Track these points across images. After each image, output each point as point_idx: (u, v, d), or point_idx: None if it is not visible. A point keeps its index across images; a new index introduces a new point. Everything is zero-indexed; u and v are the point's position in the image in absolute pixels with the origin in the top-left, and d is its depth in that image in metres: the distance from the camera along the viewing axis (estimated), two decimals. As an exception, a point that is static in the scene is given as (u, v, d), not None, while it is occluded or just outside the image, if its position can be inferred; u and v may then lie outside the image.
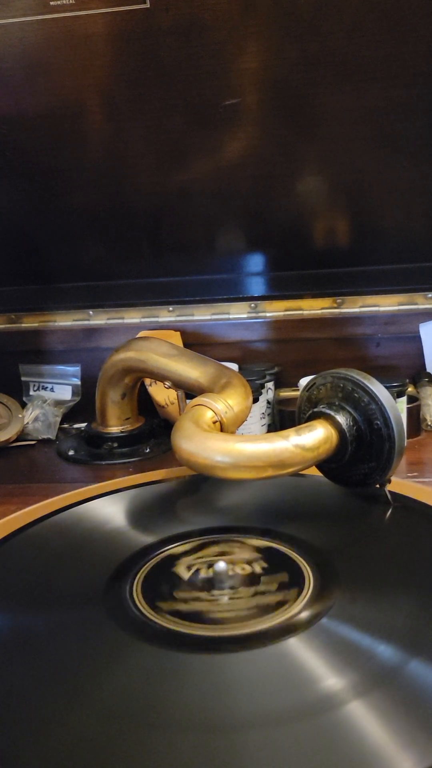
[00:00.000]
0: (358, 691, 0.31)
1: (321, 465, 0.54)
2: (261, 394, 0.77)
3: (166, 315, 0.92)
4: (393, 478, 0.52)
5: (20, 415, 0.82)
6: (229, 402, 0.58)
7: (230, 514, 0.53)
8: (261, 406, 0.77)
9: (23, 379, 0.94)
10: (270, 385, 0.82)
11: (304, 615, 0.38)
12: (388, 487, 0.52)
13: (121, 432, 0.77)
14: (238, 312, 0.91)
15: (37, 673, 0.35)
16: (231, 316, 0.91)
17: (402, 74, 0.68)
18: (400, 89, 0.70)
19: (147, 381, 0.82)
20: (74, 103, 0.73)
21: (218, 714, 0.31)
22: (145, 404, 0.83)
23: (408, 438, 0.73)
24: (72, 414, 0.90)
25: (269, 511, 0.53)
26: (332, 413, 0.50)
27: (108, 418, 0.78)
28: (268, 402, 0.81)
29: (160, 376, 0.71)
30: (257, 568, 0.43)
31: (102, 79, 0.71)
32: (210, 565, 0.42)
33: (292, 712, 0.30)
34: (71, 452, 0.77)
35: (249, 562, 0.44)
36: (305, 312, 0.89)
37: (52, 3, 0.64)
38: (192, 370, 0.68)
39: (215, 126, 0.74)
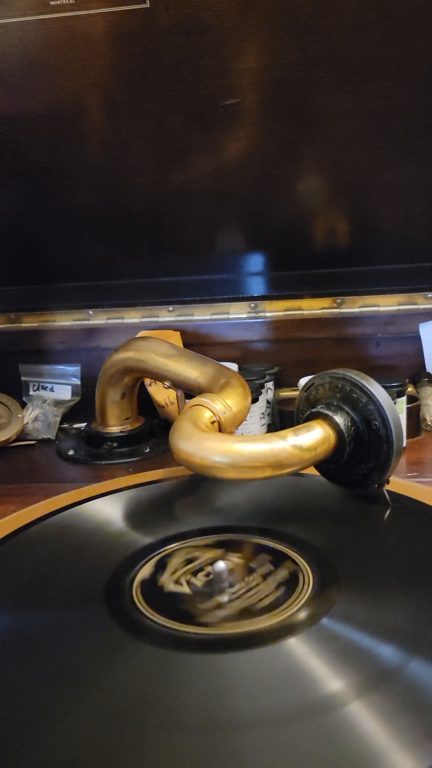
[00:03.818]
0: (358, 691, 0.31)
1: (319, 465, 0.54)
2: (261, 394, 0.77)
3: (166, 315, 0.92)
4: (393, 478, 0.52)
5: (20, 415, 0.82)
6: (227, 402, 0.58)
7: (230, 514, 0.53)
8: (261, 406, 0.77)
9: (23, 378, 0.94)
10: (270, 385, 0.82)
11: (304, 615, 0.38)
12: (387, 488, 0.52)
13: (121, 432, 0.77)
14: (237, 312, 0.91)
15: (36, 673, 0.35)
16: (231, 316, 0.91)
17: (402, 74, 0.68)
18: (400, 89, 0.70)
19: (147, 381, 0.82)
20: (74, 103, 0.73)
21: (218, 714, 0.31)
22: (145, 404, 0.83)
23: (408, 438, 0.73)
24: (72, 414, 0.90)
25: (269, 511, 0.53)
26: (330, 414, 0.50)
27: (108, 418, 0.78)
28: (268, 402, 0.81)
29: (159, 376, 0.71)
30: (257, 568, 0.43)
31: (102, 79, 0.71)
32: (209, 565, 0.42)
33: (292, 712, 0.30)
34: (71, 452, 0.77)
35: (249, 562, 0.44)
36: (305, 312, 0.89)
37: (52, 3, 0.64)
38: (191, 370, 0.68)
39: (215, 126, 0.74)
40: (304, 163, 0.79)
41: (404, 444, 0.70)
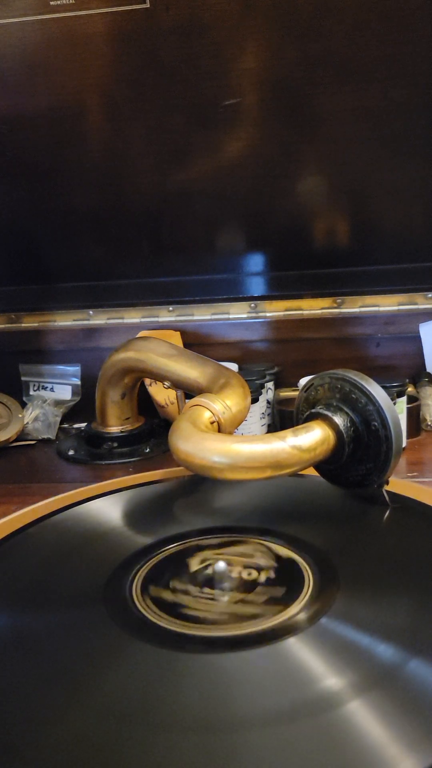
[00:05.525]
0: (358, 690, 0.31)
1: (319, 466, 0.54)
2: (261, 394, 0.77)
3: (166, 315, 0.92)
4: (393, 478, 0.52)
5: (20, 415, 0.82)
6: (227, 402, 0.58)
7: (229, 515, 0.53)
8: (261, 406, 0.77)
9: (23, 379, 0.94)
10: (270, 385, 0.82)
11: (304, 615, 0.38)
12: (387, 488, 0.52)
13: (121, 432, 0.77)
14: (238, 312, 0.91)
15: (36, 673, 0.35)
16: (231, 316, 0.91)
17: (402, 74, 0.68)
18: (400, 89, 0.70)
19: (147, 381, 0.82)
20: (74, 103, 0.73)
21: (218, 714, 0.31)
22: (145, 404, 0.83)
23: (408, 438, 0.73)
24: (72, 414, 0.90)
25: (269, 511, 0.53)
26: (330, 414, 0.50)
27: (108, 418, 0.78)
28: (268, 402, 0.81)
29: (159, 376, 0.71)
30: (257, 568, 0.43)
31: (102, 79, 0.71)
32: (210, 565, 0.42)
33: (291, 711, 0.31)
34: (71, 452, 0.77)
35: (249, 562, 0.44)
36: (305, 312, 0.89)
37: (52, 3, 0.64)
38: (191, 370, 0.68)
39: (215, 126, 0.74)
40: (304, 163, 0.79)
41: (404, 444, 0.70)
